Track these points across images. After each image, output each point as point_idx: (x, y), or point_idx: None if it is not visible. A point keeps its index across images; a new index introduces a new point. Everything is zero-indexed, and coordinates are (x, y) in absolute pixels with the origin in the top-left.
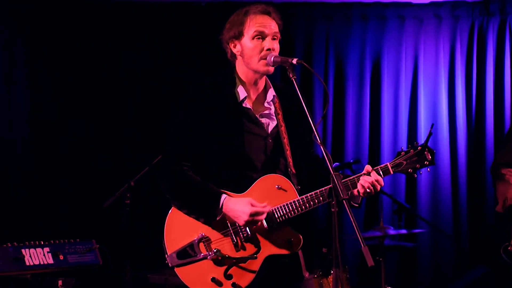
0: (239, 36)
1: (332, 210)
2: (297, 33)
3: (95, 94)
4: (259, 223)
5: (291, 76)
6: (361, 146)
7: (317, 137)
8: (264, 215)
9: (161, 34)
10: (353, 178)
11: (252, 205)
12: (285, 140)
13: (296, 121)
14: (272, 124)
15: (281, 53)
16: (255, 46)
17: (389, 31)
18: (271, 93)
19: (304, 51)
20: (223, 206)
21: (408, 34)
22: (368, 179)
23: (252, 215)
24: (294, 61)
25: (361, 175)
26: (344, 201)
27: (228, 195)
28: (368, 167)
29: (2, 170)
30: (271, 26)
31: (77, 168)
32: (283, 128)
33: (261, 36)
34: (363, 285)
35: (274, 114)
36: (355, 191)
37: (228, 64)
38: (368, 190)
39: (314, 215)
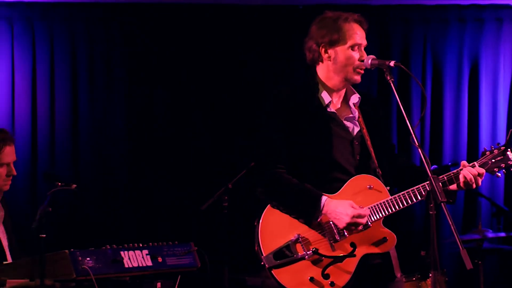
0: (334, 42)
1: (430, 213)
2: (394, 35)
3: (194, 96)
4: (360, 226)
5: (388, 78)
6: (459, 149)
7: (415, 140)
8: (366, 219)
9: (263, 38)
10: (450, 174)
11: (353, 208)
12: (369, 143)
13: (377, 124)
14: (356, 128)
15: (377, 55)
16: (351, 56)
17: (486, 33)
18: (356, 96)
19: (401, 54)
20: (324, 208)
21: (506, 37)
22: (472, 171)
23: (354, 217)
24: (392, 63)
25: (458, 171)
26: (442, 204)
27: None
28: (464, 162)
29: (100, 173)
30: (364, 36)
31: (175, 171)
32: (365, 131)
33: (358, 47)
34: None
35: (357, 118)
36: (450, 187)
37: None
38: (470, 182)
39: (409, 216)
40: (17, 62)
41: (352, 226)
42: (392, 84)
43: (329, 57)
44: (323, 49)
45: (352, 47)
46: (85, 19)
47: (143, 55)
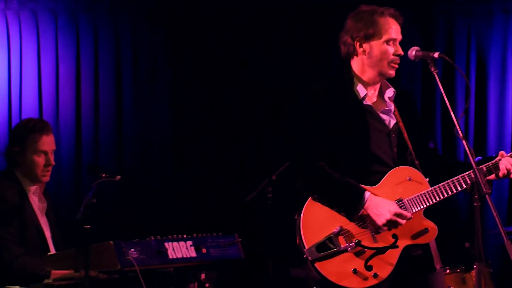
0: (369, 37)
1: (475, 204)
2: (437, 27)
3: (238, 91)
4: (398, 227)
5: (432, 70)
6: (504, 141)
7: (459, 131)
8: (405, 222)
9: (293, 33)
10: (489, 164)
11: (396, 206)
12: (405, 135)
13: (413, 118)
14: (392, 120)
15: (421, 47)
16: (386, 50)
17: None
18: (391, 90)
19: (445, 46)
20: (366, 203)
21: None
22: (511, 161)
23: (396, 215)
24: (436, 55)
25: (497, 162)
26: (486, 195)
27: (371, 192)
28: (502, 152)
29: (144, 164)
30: (399, 31)
31: (220, 163)
32: (401, 124)
33: (393, 41)
34: (506, 280)
35: (392, 111)
36: (489, 177)
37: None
38: (509, 172)
39: (451, 207)
40: (61, 54)
41: (391, 225)
42: (436, 76)
43: (364, 51)
44: (358, 43)
45: (387, 42)
46: (129, 11)
47: (186, 48)
